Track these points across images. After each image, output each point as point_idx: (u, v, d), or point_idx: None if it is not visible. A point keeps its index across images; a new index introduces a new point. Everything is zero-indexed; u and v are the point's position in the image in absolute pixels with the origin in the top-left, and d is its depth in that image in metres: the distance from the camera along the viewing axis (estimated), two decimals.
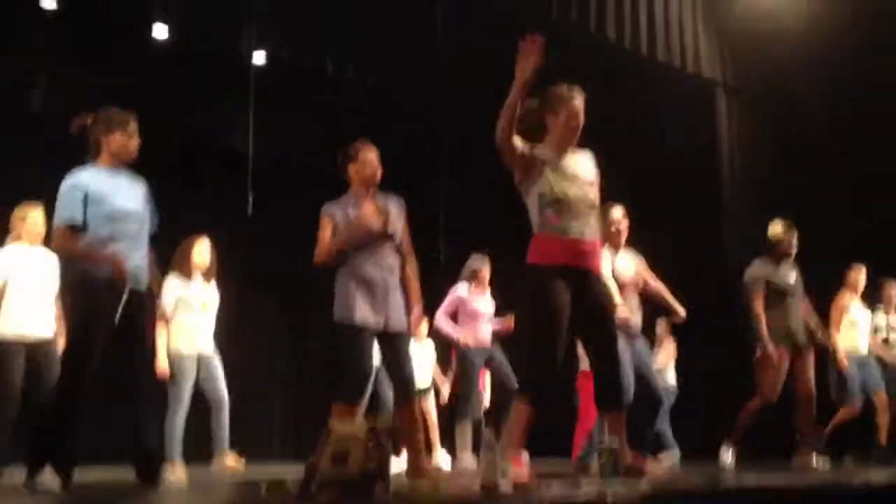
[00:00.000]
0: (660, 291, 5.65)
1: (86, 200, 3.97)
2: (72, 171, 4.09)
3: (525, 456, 3.72)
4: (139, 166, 4.25)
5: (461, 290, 6.91)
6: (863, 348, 7.24)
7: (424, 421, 8.31)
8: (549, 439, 6.53)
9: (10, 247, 5.46)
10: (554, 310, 3.75)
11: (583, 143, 4.05)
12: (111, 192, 4.01)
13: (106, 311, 3.91)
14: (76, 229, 3.97)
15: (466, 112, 9.59)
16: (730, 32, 9.18)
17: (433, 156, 9.95)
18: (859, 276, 7.25)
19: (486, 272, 6.99)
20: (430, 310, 8.41)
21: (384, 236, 4.53)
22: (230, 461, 5.97)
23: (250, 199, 8.30)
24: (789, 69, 8.74)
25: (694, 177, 9.18)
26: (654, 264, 5.79)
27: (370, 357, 4.62)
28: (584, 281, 3.85)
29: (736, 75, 9.53)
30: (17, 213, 5.46)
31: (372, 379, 6.25)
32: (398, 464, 6.29)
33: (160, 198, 4.34)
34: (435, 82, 9.19)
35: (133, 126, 4.13)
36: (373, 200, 4.60)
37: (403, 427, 4.70)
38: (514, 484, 3.03)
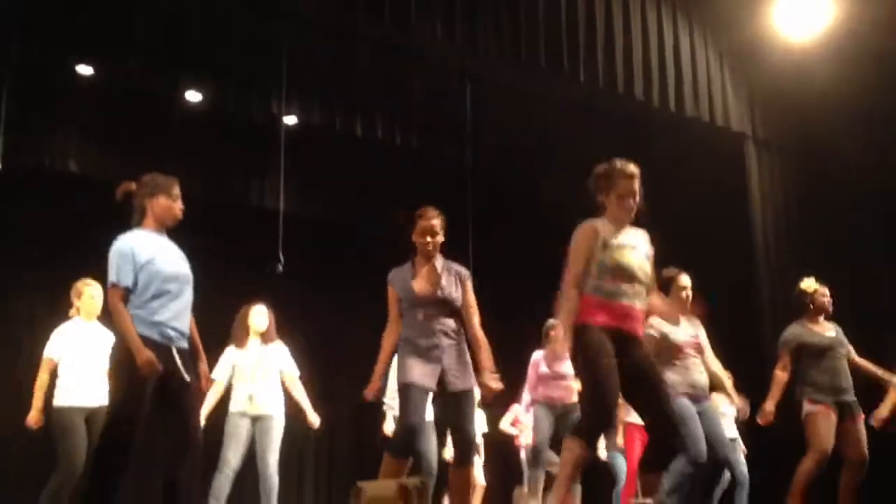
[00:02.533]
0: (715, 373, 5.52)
1: (135, 264, 4.04)
2: (119, 235, 4.16)
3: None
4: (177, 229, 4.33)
5: (536, 354, 7.00)
6: None
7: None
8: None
9: (69, 323, 5.77)
10: (607, 358, 3.83)
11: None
12: (159, 255, 4.11)
13: (148, 388, 3.95)
14: (127, 291, 4.03)
15: (494, 170, 9.63)
16: (759, 86, 9.16)
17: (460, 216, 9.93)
18: None
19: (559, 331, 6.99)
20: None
21: (436, 302, 4.57)
22: None
23: (280, 258, 8.32)
24: (819, 120, 8.69)
25: (726, 234, 9.09)
26: None
27: (421, 414, 4.56)
28: (627, 343, 3.92)
29: (765, 128, 9.50)
30: (74, 289, 5.77)
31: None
32: None
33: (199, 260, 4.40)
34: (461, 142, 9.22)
35: (177, 190, 4.25)
36: (431, 266, 4.63)
37: (455, 487, 4.60)
38: None
